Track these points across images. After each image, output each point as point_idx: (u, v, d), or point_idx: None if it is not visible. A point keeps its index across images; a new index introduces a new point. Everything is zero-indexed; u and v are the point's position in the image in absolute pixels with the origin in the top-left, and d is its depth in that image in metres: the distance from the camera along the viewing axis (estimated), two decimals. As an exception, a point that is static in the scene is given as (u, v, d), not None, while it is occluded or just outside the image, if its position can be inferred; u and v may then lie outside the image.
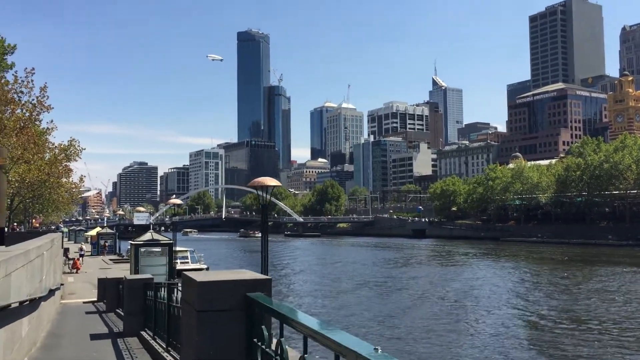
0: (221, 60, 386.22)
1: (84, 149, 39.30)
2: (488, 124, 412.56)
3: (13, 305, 6.29)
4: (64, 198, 42.70)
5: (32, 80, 29.42)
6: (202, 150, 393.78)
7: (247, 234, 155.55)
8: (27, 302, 7.65)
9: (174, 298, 11.18)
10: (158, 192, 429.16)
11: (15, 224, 45.37)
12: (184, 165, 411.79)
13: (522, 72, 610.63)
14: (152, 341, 9.62)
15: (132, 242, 34.02)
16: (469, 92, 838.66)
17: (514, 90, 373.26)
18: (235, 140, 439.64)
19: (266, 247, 16.98)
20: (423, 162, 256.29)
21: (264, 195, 16.86)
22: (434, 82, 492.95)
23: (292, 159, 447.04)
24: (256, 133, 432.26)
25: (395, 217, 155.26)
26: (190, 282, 4.24)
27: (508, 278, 48.48)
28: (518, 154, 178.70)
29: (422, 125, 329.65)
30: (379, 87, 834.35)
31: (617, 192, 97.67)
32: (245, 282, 4.03)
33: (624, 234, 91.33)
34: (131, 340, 10.88)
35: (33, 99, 29.79)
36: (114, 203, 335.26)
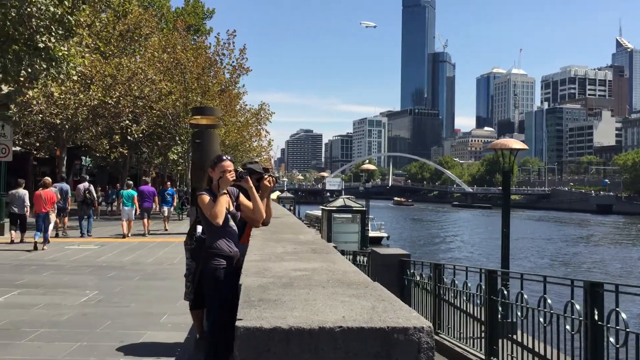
0: (374, 27, 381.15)
1: (274, 113, 39.37)
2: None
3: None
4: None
5: (233, 43, 29.45)
6: (365, 118, 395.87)
7: (400, 202, 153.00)
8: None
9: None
10: (322, 159, 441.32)
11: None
12: (347, 133, 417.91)
13: None
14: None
15: (324, 208, 33.45)
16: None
17: None
18: (398, 108, 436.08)
19: (507, 223, 14.53)
20: (605, 132, 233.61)
21: (508, 158, 14.37)
22: (618, 44, 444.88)
23: (455, 127, 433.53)
24: (419, 101, 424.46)
25: (575, 190, 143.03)
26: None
27: None
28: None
29: (604, 91, 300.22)
30: (553, 51, 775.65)
31: None
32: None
33: None
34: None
35: (233, 62, 29.89)
36: (282, 168, 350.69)
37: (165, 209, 21.42)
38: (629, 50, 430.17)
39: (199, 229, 4.99)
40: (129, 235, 17.80)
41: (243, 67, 29.92)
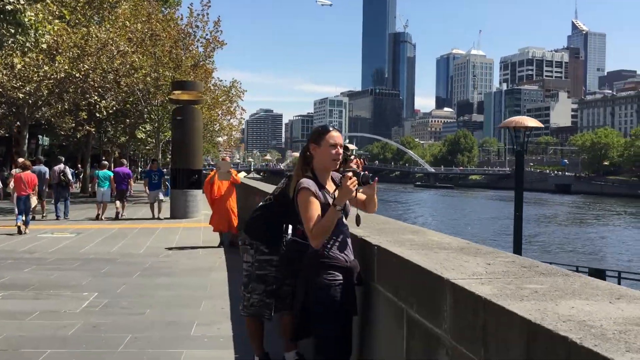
0: (330, 5, 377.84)
1: (246, 91, 37.68)
2: (634, 71, 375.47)
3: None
4: (223, 141, 41.92)
5: (207, 14, 27.74)
6: (327, 98, 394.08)
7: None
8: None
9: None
10: (283, 139, 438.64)
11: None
12: (308, 113, 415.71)
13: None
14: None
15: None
16: (614, 36, 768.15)
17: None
18: (359, 88, 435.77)
19: (520, 206, 13.71)
20: (562, 113, 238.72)
21: (522, 137, 13.48)
22: (574, 26, 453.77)
23: (416, 107, 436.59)
24: (380, 81, 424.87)
25: (535, 170, 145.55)
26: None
27: None
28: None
29: (561, 73, 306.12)
30: (512, 33, 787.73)
31: None
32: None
33: None
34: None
35: (207, 35, 28.19)
36: (242, 148, 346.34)
37: (158, 193, 17.76)
38: (584, 32, 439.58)
39: (290, 228, 3.80)
40: (103, 218, 17.05)
41: (218, 40, 28.26)
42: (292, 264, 3.65)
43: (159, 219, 17.02)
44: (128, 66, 23.45)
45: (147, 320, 5.94)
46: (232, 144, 43.74)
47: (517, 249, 13.29)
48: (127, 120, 30.11)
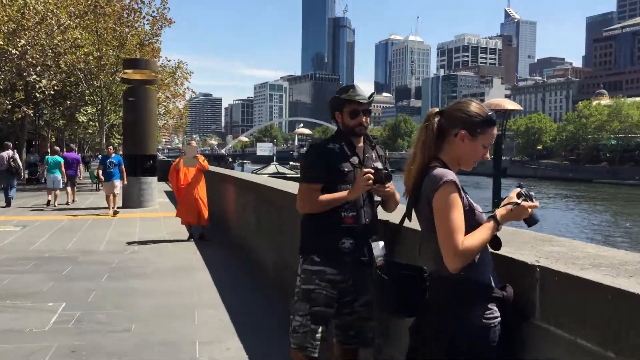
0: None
1: (192, 72, 35.99)
2: (563, 59, 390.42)
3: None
4: (169, 125, 40.05)
5: (154, -11, 26.04)
6: (267, 82, 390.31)
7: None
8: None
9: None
10: (222, 124, 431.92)
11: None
12: (248, 97, 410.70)
13: (606, 3, 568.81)
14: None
15: (257, 175, 31.23)
16: (543, 25, 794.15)
17: (594, 23, 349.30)
18: (299, 73, 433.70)
19: (499, 193, 13.27)
20: (496, 99, 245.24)
21: (502, 120, 12.99)
22: (507, 14, 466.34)
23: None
24: (320, 66, 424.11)
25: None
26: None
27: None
28: (603, 90, 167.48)
29: (495, 59, 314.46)
30: (448, 20, 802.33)
31: None
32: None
33: None
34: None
35: (154, 11, 26.50)
36: (181, 133, 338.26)
37: (115, 182, 14.93)
38: (516, 20, 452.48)
39: (380, 244, 2.87)
40: (56, 204, 16.50)
41: (165, 17, 26.62)
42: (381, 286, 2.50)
43: (115, 212, 14.69)
44: (69, 43, 21.63)
45: (135, 340, 4.89)
46: (179, 128, 41.94)
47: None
48: (68, 103, 28.08)
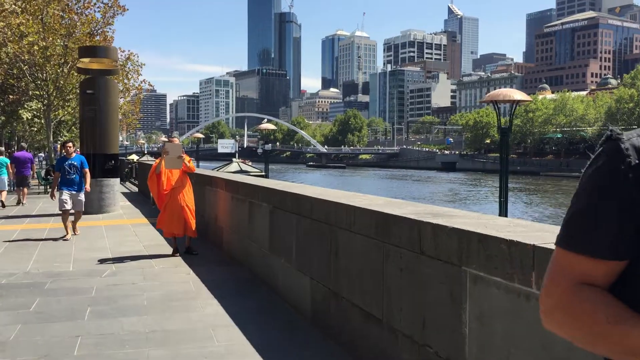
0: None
1: (144, 64, 33.77)
2: (504, 55, 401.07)
3: None
4: (123, 123, 37.60)
5: (104, -26, 23.90)
6: (213, 78, 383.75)
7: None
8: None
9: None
10: (168, 120, 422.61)
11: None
12: (193, 93, 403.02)
13: (545, 0, 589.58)
14: None
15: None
16: (485, 21, 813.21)
17: (534, 20, 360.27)
18: (245, 68, 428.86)
19: (506, 192, 12.22)
20: (442, 94, 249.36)
21: (511, 110, 11.92)
22: (450, 11, 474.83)
23: (302, 88, 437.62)
24: (266, 61, 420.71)
25: (422, 149, 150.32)
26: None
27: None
28: (546, 85, 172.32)
29: (440, 55, 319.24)
30: (394, 16, 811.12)
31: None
32: None
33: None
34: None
35: (105, -3, 24.35)
36: (124, 130, 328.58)
37: (79, 195, 10.93)
38: (459, 17, 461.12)
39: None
40: (5, 205, 15.52)
41: (119, 5, 24.53)
42: None
43: (73, 234, 11.00)
44: (12, 31, 19.42)
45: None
46: (130, 124, 39.60)
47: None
48: (10, 97, 25.60)
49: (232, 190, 8.60)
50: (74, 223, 11.12)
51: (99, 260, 8.61)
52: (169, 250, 9.23)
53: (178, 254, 8.94)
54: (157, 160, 9.31)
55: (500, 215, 12.96)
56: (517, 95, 11.99)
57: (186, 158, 9.09)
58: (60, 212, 10.87)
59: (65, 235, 10.60)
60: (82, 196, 11.01)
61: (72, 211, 10.93)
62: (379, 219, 4.00)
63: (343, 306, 4.63)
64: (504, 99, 11.86)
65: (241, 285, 6.98)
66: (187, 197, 9.04)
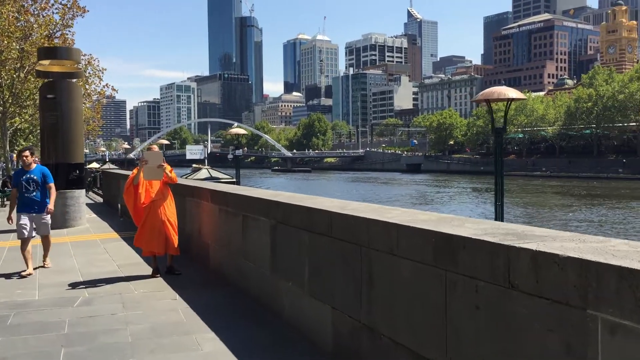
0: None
1: (105, 69, 32.35)
2: (463, 57, 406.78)
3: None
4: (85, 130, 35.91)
5: (62, -27, 22.61)
6: (174, 83, 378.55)
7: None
8: None
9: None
10: (128, 127, 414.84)
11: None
12: (154, 99, 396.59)
13: (501, 3, 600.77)
14: None
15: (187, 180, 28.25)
16: (444, 25, 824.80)
17: (491, 23, 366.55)
18: (207, 73, 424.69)
19: (501, 195, 11.65)
20: (404, 96, 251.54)
21: (505, 109, 11.33)
22: (409, 14, 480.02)
23: (264, 92, 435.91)
24: (228, 66, 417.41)
25: (387, 151, 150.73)
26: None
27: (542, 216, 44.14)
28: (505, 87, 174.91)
29: (401, 58, 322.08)
30: (355, 19, 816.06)
31: (630, 124, 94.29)
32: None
33: (636, 168, 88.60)
34: None
35: (64, -1, 23.05)
36: (85, 137, 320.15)
37: (43, 217, 8.81)
38: (418, 20, 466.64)
39: None
40: None
41: (78, 6, 23.24)
42: None
43: (43, 266, 8.97)
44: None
45: None
46: (92, 131, 38.04)
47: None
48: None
49: (219, 202, 7.69)
50: (44, 253, 9.12)
51: (68, 285, 7.60)
52: (147, 270, 8.27)
53: (159, 275, 7.99)
54: (135, 171, 8.34)
55: (496, 219, 12.37)
56: (512, 93, 11.42)
57: (167, 167, 8.16)
58: (19, 240, 8.63)
59: (24, 271, 8.34)
60: (47, 218, 8.85)
61: (36, 236, 8.86)
62: (437, 241, 3.21)
63: (382, 344, 3.82)
64: (498, 97, 11.26)
65: (238, 312, 6.10)
66: (169, 210, 8.11)
